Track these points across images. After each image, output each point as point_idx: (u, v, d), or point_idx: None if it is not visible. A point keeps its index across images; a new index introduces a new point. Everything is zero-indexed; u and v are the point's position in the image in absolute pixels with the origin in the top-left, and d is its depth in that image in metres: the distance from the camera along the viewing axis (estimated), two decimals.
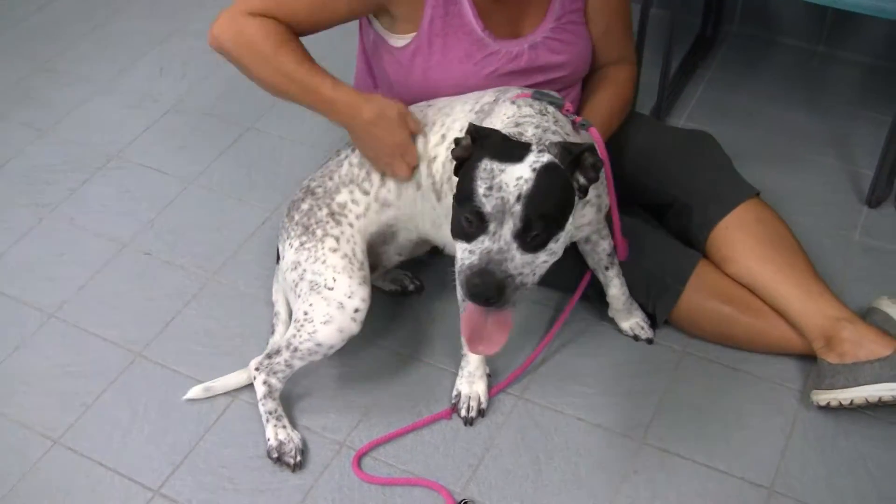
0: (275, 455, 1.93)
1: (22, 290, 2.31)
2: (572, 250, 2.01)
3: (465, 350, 2.00)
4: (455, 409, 2.01)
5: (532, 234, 1.53)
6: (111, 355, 2.15)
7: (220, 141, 2.71)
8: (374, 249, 2.05)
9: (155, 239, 2.43)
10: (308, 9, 1.91)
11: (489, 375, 2.05)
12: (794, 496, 1.86)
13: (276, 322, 2.10)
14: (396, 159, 1.90)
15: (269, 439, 1.94)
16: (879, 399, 1.89)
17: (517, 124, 1.70)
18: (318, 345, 1.89)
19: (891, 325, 1.97)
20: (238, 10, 1.87)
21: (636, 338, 2.14)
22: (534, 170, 1.53)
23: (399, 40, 2.00)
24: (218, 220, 2.48)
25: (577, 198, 1.60)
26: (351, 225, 1.97)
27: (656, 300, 2.09)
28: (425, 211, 1.94)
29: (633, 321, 2.14)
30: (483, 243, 1.53)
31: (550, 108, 1.78)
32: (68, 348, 2.17)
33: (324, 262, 1.92)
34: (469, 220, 1.54)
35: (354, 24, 2.08)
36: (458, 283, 1.58)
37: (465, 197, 1.55)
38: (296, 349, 1.91)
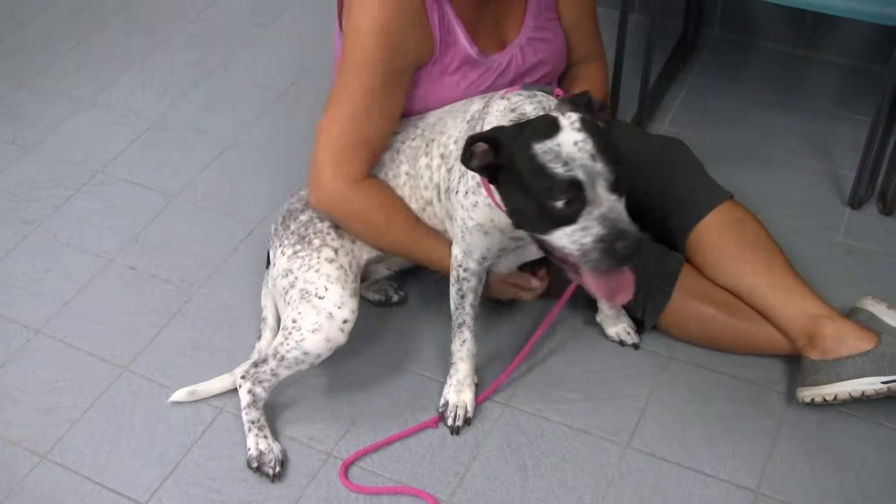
0: (254, 465, 1.93)
1: (8, 307, 2.31)
2: None
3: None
4: (442, 417, 2.01)
5: (620, 179, 1.57)
6: (98, 370, 2.15)
7: (203, 155, 2.71)
8: (368, 266, 2.06)
9: (140, 253, 2.43)
10: (379, 113, 1.93)
11: (477, 385, 2.05)
12: (781, 498, 1.86)
13: (263, 327, 2.10)
14: (517, 294, 2.07)
15: (249, 448, 1.94)
16: (862, 393, 1.90)
17: (513, 110, 1.74)
18: (305, 353, 1.90)
19: (875, 324, 1.97)
20: (338, 176, 1.92)
21: (622, 343, 2.14)
22: (577, 129, 1.56)
23: None
24: (203, 233, 2.48)
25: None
26: (353, 241, 1.99)
27: (646, 303, 2.09)
28: (448, 229, 1.97)
29: (619, 327, 2.14)
30: (592, 213, 1.56)
31: (539, 93, 1.81)
32: (55, 364, 2.17)
33: (317, 270, 1.92)
34: (569, 201, 1.55)
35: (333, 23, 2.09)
36: (584, 263, 1.59)
37: (547, 186, 1.55)
38: (282, 358, 1.91)
